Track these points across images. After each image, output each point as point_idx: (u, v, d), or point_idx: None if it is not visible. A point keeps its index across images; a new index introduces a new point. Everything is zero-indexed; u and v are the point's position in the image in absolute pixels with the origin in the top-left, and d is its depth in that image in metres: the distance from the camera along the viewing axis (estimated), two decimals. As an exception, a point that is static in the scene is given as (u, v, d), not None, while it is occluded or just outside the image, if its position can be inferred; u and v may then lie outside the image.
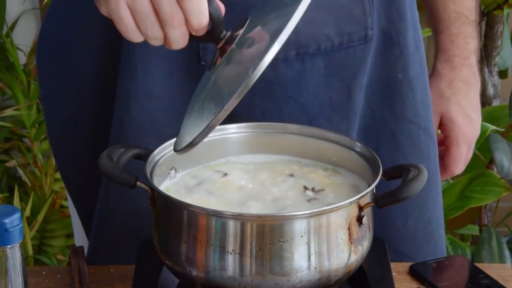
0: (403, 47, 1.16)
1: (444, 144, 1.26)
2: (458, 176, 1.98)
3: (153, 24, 0.85)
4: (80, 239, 1.31)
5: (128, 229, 1.13)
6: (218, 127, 1.02)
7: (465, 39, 1.25)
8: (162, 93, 1.09)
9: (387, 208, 1.15)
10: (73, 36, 1.16)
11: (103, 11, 0.88)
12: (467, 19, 1.25)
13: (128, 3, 0.85)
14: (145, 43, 0.89)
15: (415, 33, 1.19)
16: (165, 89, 1.10)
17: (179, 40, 0.86)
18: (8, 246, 0.78)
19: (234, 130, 1.03)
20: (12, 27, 2.31)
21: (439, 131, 1.27)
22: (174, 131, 1.01)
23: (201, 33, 0.86)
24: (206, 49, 1.07)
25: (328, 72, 1.11)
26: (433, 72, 1.27)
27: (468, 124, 1.25)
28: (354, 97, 1.13)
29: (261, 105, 1.09)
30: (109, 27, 0.92)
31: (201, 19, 0.85)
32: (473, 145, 1.28)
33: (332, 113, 1.12)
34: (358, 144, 1.00)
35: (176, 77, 1.10)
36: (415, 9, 1.20)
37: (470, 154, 1.28)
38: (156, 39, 0.87)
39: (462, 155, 1.26)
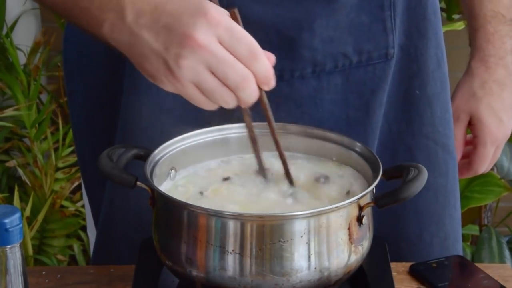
0: (421, 64, 1.16)
1: (472, 143, 1.25)
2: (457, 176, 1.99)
3: (222, 94, 0.87)
4: (92, 230, 1.31)
5: (128, 229, 1.13)
6: (218, 127, 1.03)
7: (501, 38, 1.22)
8: (174, 105, 1.08)
9: (403, 221, 1.16)
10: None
11: (169, 89, 0.88)
12: (503, 18, 1.22)
13: (194, 82, 0.86)
14: None
15: (438, 51, 1.18)
16: (177, 102, 1.09)
17: (251, 96, 0.88)
18: (8, 246, 0.78)
19: (234, 130, 1.03)
20: (12, 27, 2.31)
21: (468, 130, 1.26)
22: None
23: (272, 86, 0.88)
24: None
25: (345, 89, 1.11)
26: (467, 70, 1.24)
27: (497, 125, 1.23)
28: (373, 114, 1.13)
29: (275, 119, 1.08)
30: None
31: (269, 76, 0.87)
32: (502, 146, 1.25)
33: (348, 129, 1.10)
34: (358, 144, 1.00)
35: None
36: (440, 28, 1.19)
37: (498, 154, 1.26)
38: (229, 104, 0.88)
39: (488, 156, 1.24)
